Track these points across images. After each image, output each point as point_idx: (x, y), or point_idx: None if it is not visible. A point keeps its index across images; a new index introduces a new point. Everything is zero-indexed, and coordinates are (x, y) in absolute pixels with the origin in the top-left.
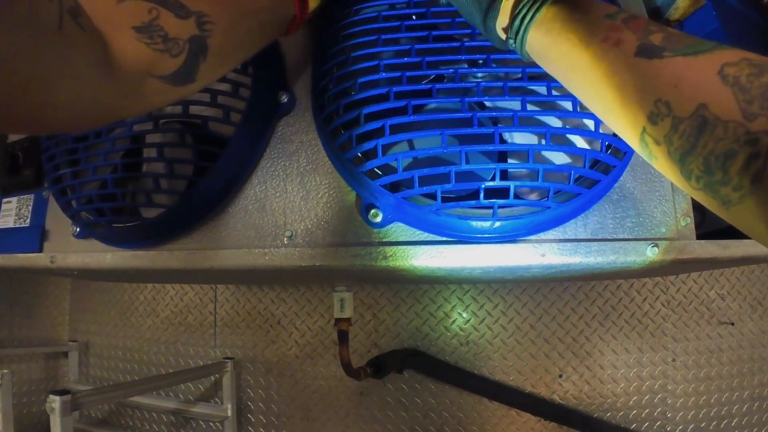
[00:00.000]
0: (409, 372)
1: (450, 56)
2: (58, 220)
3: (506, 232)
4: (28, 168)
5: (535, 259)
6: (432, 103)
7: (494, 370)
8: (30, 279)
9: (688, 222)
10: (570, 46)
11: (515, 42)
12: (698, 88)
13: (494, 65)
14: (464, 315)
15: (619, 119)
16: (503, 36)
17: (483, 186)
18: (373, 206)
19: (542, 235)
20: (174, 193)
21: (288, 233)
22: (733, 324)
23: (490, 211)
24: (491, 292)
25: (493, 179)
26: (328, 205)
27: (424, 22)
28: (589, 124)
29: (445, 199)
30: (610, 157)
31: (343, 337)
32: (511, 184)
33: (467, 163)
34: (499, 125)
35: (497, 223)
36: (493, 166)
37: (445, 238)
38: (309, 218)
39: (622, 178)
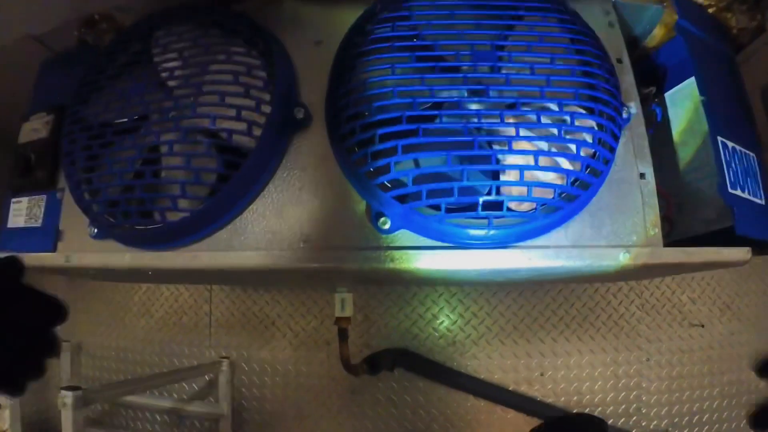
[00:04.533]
0: (399, 371)
1: (453, 86)
2: (72, 221)
3: (499, 239)
4: (40, 169)
5: (523, 262)
6: (437, 126)
7: (479, 369)
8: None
9: (656, 231)
10: None
11: None
12: None
13: (493, 94)
14: (451, 317)
15: None
16: None
17: (481, 200)
18: (382, 215)
19: (530, 242)
20: (197, 199)
21: (304, 237)
22: (703, 326)
23: (486, 220)
24: (477, 295)
25: (489, 194)
26: (339, 212)
27: (432, 54)
28: (572, 147)
29: (447, 210)
30: (589, 176)
31: (343, 335)
32: (505, 199)
33: (467, 179)
34: (494, 147)
35: (491, 232)
36: (489, 182)
37: (446, 244)
38: (322, 224)
39: (599, 193)
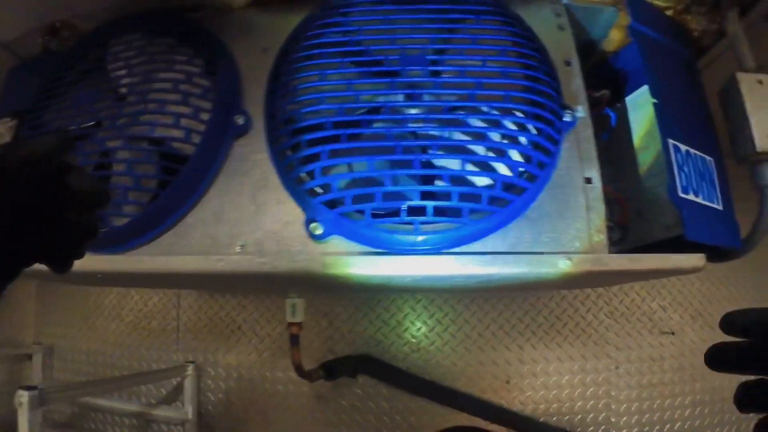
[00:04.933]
0: (364, 377)
1: (380, 91)
2: None
3: (431, 245)
4: None
5: (457, 269)
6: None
7: (444, 377)
8: None
9: (601, 238)
10: None
11: None
12: None
13: (427, 98)
14: (416, 323)
15: None
16: None
17: (405, 205)
18: (314, 221)
19: (465, 248)
20: (140, 204)
21: (240, 242)
22: (673, 333)
23: (428, 226)
24: (442, 302)
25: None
26: (276, 218)
27: (361, 59)
28: (512, 153)
29: (376, 216)
30: (523, 181)
31: (294, 341)
32: (429, 204)
33: (394, 184)
34: (428, 151)
35: (420, 237)
36: (412, 187)
37: (378, 250)
38: (259, 230)
39: (540, 199)
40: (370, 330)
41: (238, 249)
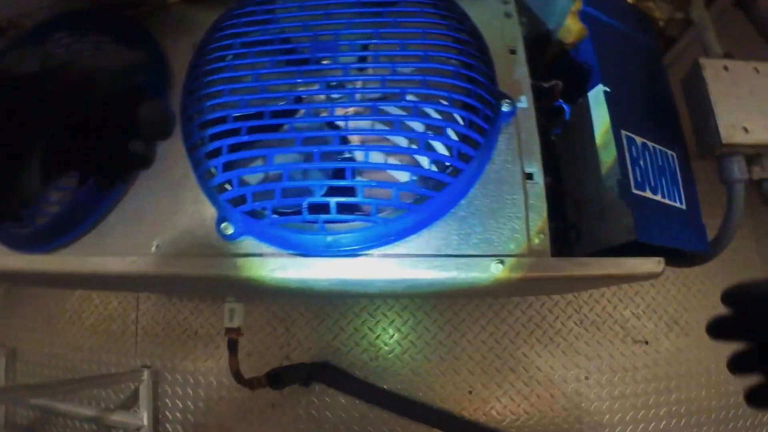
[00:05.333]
0: (321, 386)
1: (292, 80)
2: None
3: (345, 247)
4: None
5: (373, 272)
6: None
7: (403, 386)
8: None
9: (541, 239)
10: None
11: None
12: None
13: (337, 87)
14: (375, 331)
15: None
16: None
17: (305, 202)
18: (225, 220)
19: (384, 249)
20: (60, 203)
21: (156, 242)
22: (647, 342)
23: (336, 225)
24: (401, 309)
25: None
26: (192, 217)
27: (276, 48)
28: (430, 144)
29: (284, 214)
30: (443, 175)
31: (232, 347)
32: (332, 200)
33: (296, 179)
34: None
35: (330, 237)
36: (314, 182)
37: (286, 252)
38: (175, 229)
39: (470, 195)
40: (327, 337)
41: (153, 249)
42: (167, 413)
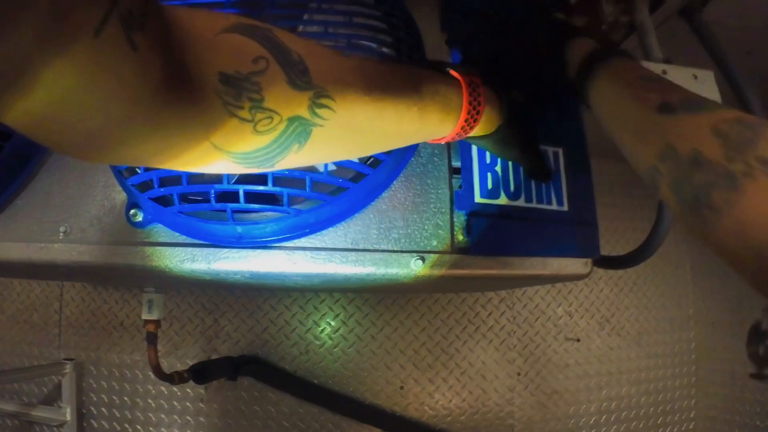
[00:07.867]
0: (250, 380)
1: None
2: None
3: (257, 238)
4: None
5: (286, 266)
6: None
7: (334, 380)
8: None
9: (466, 236)
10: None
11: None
12: (696, 138)
13: None
14: (305, 324)
15: (635, 154)
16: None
17: (213, 190)
18: (135, 206)
19: (301, 242)
20: None
21: (63, 228)
22: (578, 340)
23: (247, 215)
24: (333, 302)
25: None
26: (102, 203)
27: None
28: None
29: (193, 202)
30: (361, 166)
31: (151, 339)
32: (240, 188)
33: None
34: None
35: (239, 228)
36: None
37: (196, 242)
38: (84, 215)
39: (393, 189)
40: (257, 329)
41: (60, 236)
42: (92, 408)
